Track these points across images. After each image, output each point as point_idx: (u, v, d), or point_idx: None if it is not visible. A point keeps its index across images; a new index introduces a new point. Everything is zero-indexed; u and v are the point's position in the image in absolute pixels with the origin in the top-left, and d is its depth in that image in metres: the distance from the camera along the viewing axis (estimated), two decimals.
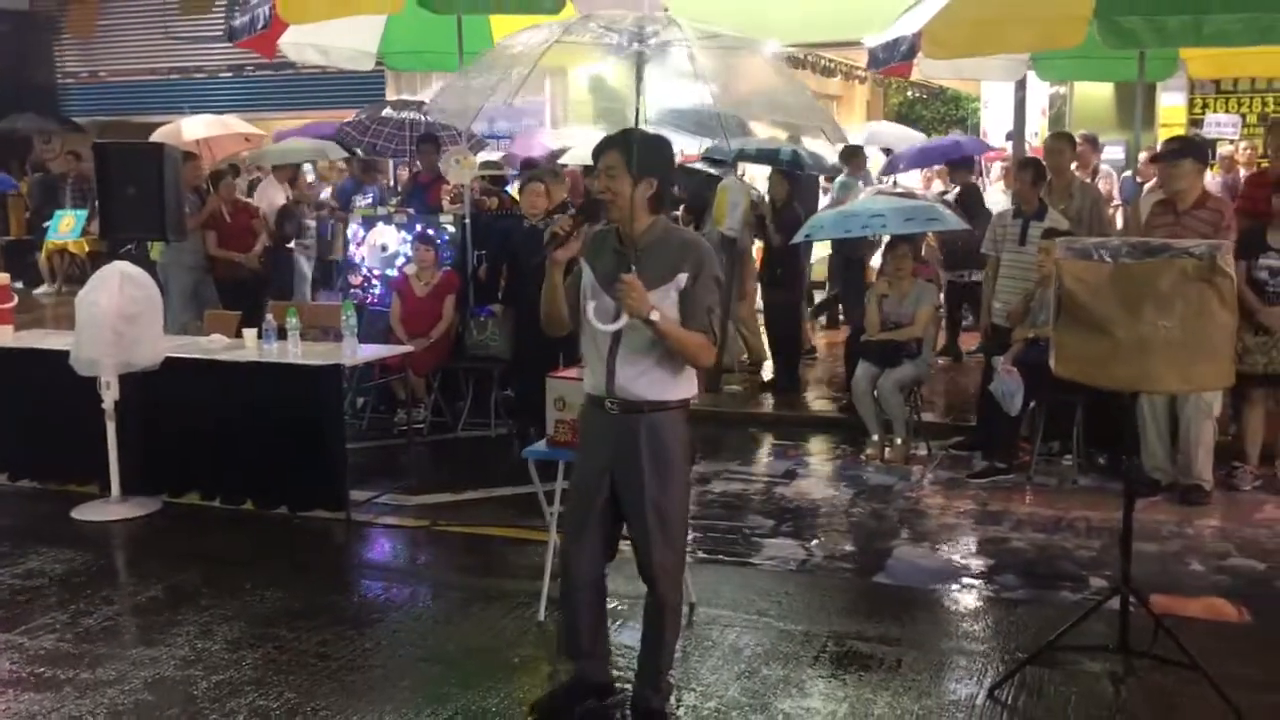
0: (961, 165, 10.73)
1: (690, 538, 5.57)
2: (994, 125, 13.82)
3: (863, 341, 7.45)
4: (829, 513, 6.33)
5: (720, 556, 5.59)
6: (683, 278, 3.52)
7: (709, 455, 7.36)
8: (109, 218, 8.02)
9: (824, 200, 11.04)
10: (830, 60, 18.14)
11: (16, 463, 6.72)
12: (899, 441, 7.24)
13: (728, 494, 6.65)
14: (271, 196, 10.62)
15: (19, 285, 14.57)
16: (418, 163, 9.92)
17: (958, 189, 10.23)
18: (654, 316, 3.44)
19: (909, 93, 23.49)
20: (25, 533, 5.90)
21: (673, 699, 4.05)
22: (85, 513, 6.15)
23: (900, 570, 5.46)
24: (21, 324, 7.55)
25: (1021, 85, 9.27)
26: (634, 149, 3.53)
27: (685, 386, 3.67)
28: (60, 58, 17.50)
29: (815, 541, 5.85)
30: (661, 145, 3.66)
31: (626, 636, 4.52)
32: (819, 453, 7.66)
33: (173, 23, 16.42)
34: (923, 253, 9.17)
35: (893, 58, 6.74)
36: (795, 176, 9.15)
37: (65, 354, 6.08)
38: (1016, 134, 9.67)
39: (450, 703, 4.05)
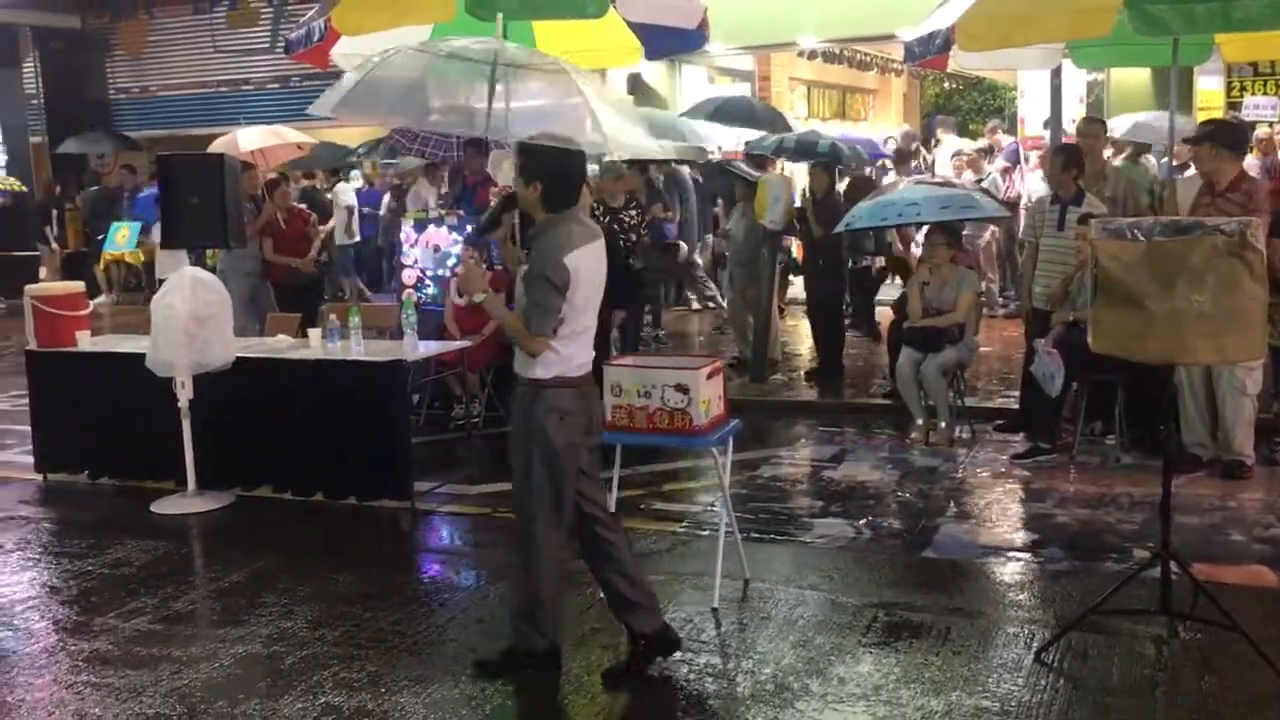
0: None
1: (738, 517, 5.81)
2: (1031, 113, 13.88)
3: (905, 328, 7.62)
4: (876, 494, 6.52)
5: (772, 535, 5.80)
6: (523, 270, 4.06)
7: (757, 442, 7.55)
8: (172, 227, 8.31)
9: None
10: (866, 54, 18.30)
11: (96, 461, 7.04)
12: (943, 425, 7.40)
13: (777, 477, 6.85)
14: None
15: None
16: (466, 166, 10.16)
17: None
18: (478, 298, 4.12)
19: (945, 84, 23.58)
20: (108, 526, 6.21)
21: (720, 662, 4.26)
22: (163, 507, 6.46)
23: (947, 545, 5.63)
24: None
25: (1057, 73, 9.38)
26: (519, 159, 4.13)
27: (545, 367, 4.04)
28: (112, 74, 17.97)
29: (863, 520, 6.04)
30: (543, 153, 4.13)
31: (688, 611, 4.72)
32: (864, 438, 7.83)
33: (220, 37, 16.83)
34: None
35: (928, 51, 6.89)
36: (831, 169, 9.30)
37: (141, 357, 6.38)
38: (1053, 121, 9.78)
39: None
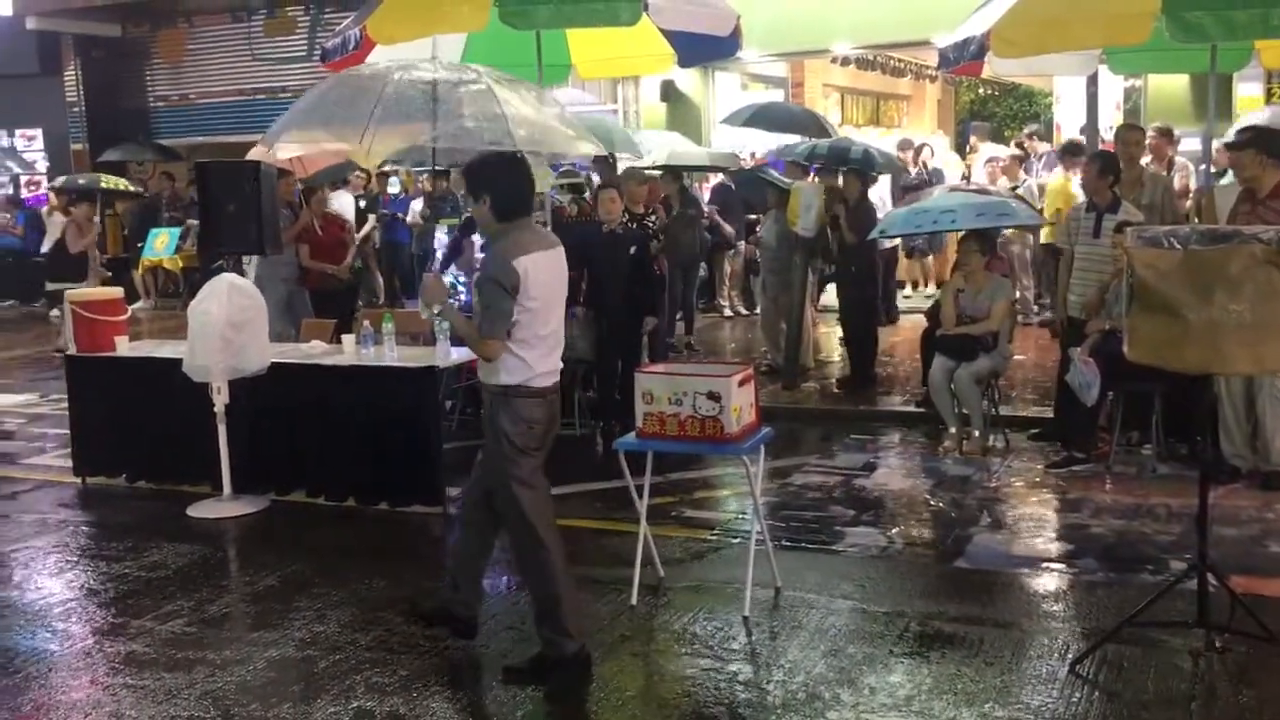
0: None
1: (769, 525, 5.80)
2: (1068, 120, 13.77)
3: (939, 335, 7.58)
4: (908, 503, 6.48)
5: (804, 544, 5.78)
6: (478, 276, 4.19)
7: (789, 450, 7.53)
8: (209, 233, 8.41)
9: None
10: (900, 60, 18.24)
11: (134, 465, 7.12)
12: (976, 433, 7.35)
13: (808, 486, 6.83)
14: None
15: None
16: None
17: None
18: (435, 309, 4.39)
19: (980, 90, 23.44)
20: (146, 529, 6.28)
21: (751, 671, 4.26)
22: (199, 510, 6.52)
23: (980, 555, 5.60)
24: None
25: (1094, 80, 9.31)
26: (465, 176, 4.32)
27: (509, 374, 4.15)
28: (152, 82, 18.20)
29: (896, 529, 6.01)
30: (486, 164, 4.30)
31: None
32: (897, 446, 7.79)
33: (258, 45, 17.00)
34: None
35: (963, 57, 6.85)
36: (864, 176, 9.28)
37: (177, 362, 6.45)
38: (1089, 128, 9.71)
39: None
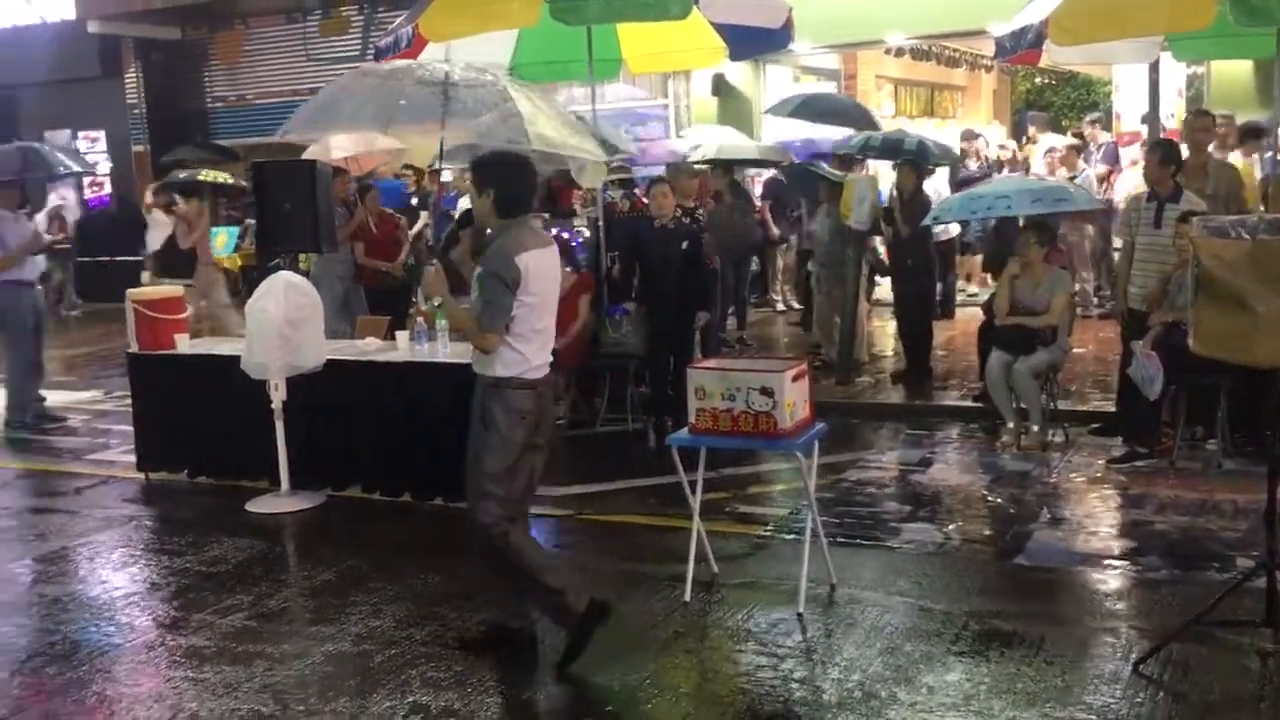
0: None
1: (823, 521, 5.75)
2: (1127, 108, 13.50)
3: (996, 328, 7.46)
4: (966, 498, 6.40)
5: (858, 540, 5.72)
6: (477, 271, 4.27)
7: (844, 445, 7.47)
8: (266, 232, 8.50)
9: None
10: (955, 50, 17.98)
11: (195, 461, 7.23)
12: (1035, 428, 7.24)
13: (863, 481, 6.76)
14: None
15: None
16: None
17: None
18: (436, 301, 4.49)
19: (1037, 79, 23.08)
20: (206, 524, 6.37)
21: (806, 668, 4.22)
22: (258, 506, 6.60)
23: (1040, 552, 5.50)
24: (76, 342, 8.04)
25: (1155, 67, 9.11)
26: (474, 168, 4.38)
27: (504, 366, 4.23)
28: (210, 83, 18.45)
29: (953, 525, 5.93)
30: (494, 161, 4.39)
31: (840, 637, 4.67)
32: (954, 441, 7.69)
33: (312, 45, 17.16)
34: None
35: (1020, 46, 6.74)
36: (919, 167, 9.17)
37: (236, 359, 6.53)
38: (1151, 116, 9.51)
39: (604, 677, 4.29)
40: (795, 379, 4.71)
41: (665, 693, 4.18)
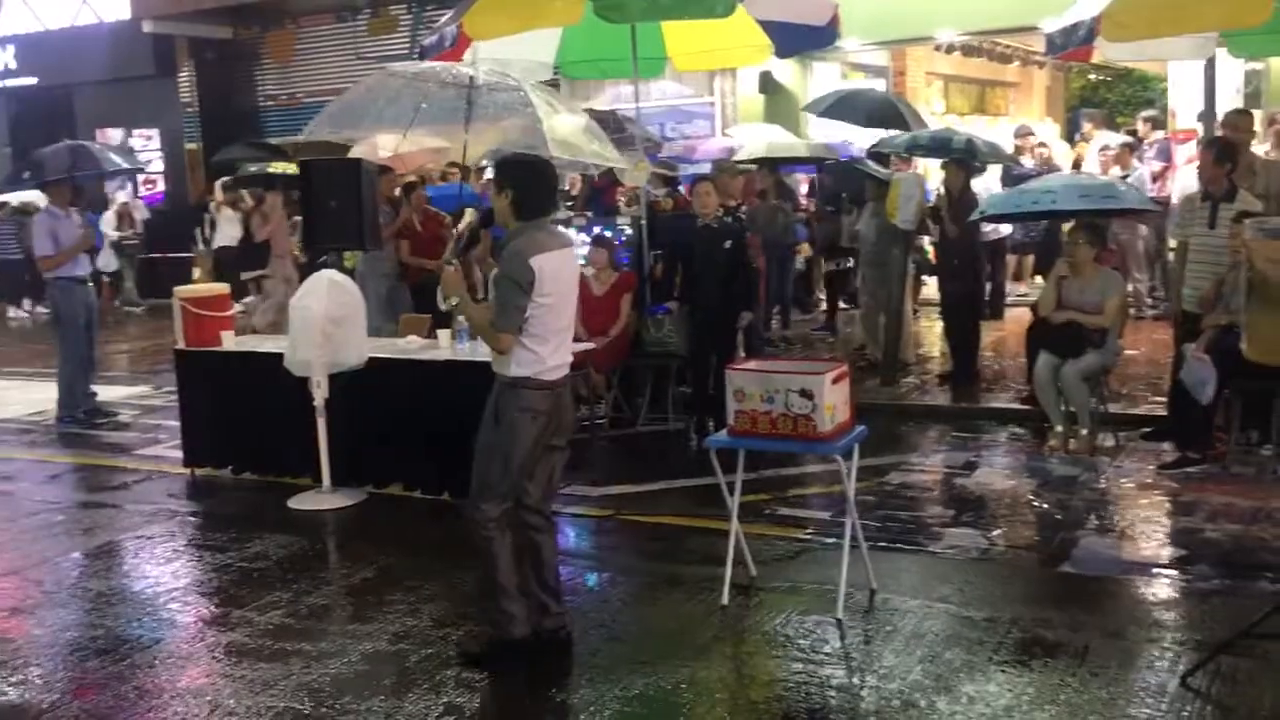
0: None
1: (864, 525, 5.68)
2: (1183, 106, 13.23)
3: (1044, 329, 7.32)
4: (1011, 503, 6.29)
5: (900, 545, 5.64)
6: (494, 273, 4.33)
7: (887, 447, 7.38)
8: (312, 230, 8.56)
9: None
10: (1007, 46, 17.75)
11: (239, 457, 7.29)
12: (1084, 432, 7.10)
13: (907, 485, 6.67)
14: None
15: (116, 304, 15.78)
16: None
17: None
18: (453, 301, 4.59)
19: (1091, 76, 22.72)
20: (248, 520, 6.42)
21: (844, 675, 4.15)
22: (300, 502, 6.64)
23: (1087, 560, 5.39)
24: (139, 336, 8.13)
25: (1211, 64, 8.92)
26: (496, 167, 4.44)
27: (519, 366, 4.26)
28: (261, 83, 18.66)
29: (997, 531, 5.83)
30: (517, 163, 4.51)
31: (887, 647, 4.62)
32: (1000, 444, 7.57)
33: (362, 44, 17.28)
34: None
35: (1071, 42, 6.61)
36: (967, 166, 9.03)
37: (280, 356, 6.58)
38: (1206, 114, 9.30)
39: (638, 680, 4.25)
40: (835, 381, 4.65)
41: (700, 697, 4.13)
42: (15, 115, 19.69)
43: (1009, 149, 11.99)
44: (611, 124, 11.05)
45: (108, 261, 17.10)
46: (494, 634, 4.45)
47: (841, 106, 11.01)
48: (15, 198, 15.41)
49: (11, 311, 15.79)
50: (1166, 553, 5.44)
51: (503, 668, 4.36)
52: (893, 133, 9.97)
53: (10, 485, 7.56)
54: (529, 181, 4.35)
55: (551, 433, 4.37)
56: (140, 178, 18.50)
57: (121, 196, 17.63)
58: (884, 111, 10.56)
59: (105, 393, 9.92)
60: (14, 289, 16.98)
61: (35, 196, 15.08)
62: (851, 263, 11.49)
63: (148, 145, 19.03)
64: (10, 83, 19.31)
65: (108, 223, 16.97)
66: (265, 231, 12.12)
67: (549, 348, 4.29)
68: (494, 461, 4.30)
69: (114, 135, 18.27)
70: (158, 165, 19.00)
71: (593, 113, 11.60)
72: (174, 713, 4.14)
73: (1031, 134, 13.05)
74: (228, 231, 15.64)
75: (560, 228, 7.44)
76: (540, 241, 4.26)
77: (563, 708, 4.12)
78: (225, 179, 16.08)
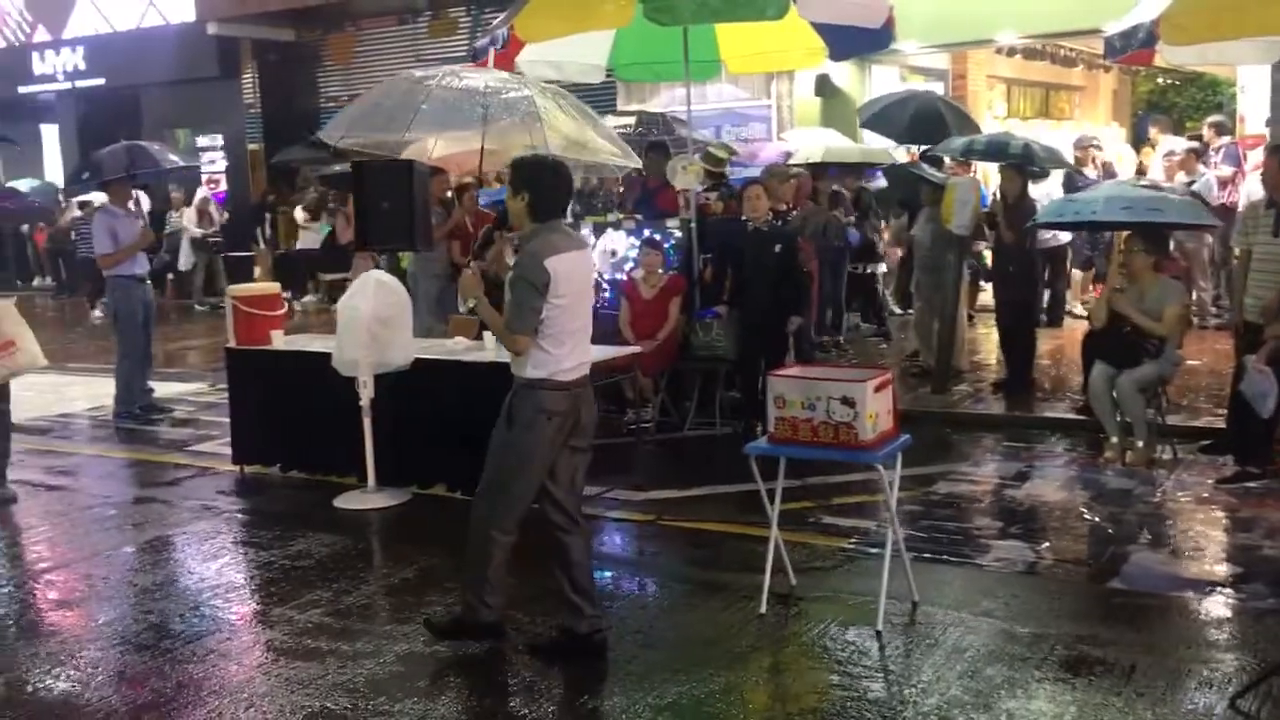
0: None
1: (909, 535, 5.60)
2: (1252, 111, 12.90)
3: (1100, 338, 7.16)
4: (1062, 516, 6.15)
5: (945, 557, 5.53)
6: (510, 274, 4.32)
7: (936, 456, 7.27)
8: (365, 230, 8.63)
9: None
10: (1071, 49, 17.44)
11: (287, 455, 7.37)
12: (1140, 444, 6.93)
13: (954, 495, 6.56)
14: None
15: (287, 295, 15.93)
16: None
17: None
18: (470, 304, 4.56)
19: (1159, 80, 22.25)
20: (294, 519, 6.48)
21: (882, 689, 4.08)
22: (345, 501, 6.69)
23: (1138, 576, 5.25)
24: (289, 330, 8.23)
25: (1279, 68, 8.67)
26: (512, 169, 4.42)
27: (535, 367, 4.29)
28: (322, 85, 18.89)
29: (1046, 544, 5.71)
30: (532, 164, 4.49)
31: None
32: (1053, 455, 7.42)
33: (421, 47, 17.43)
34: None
35: (1130, 45, 6.46)
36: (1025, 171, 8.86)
37: (328, 356, 6.63)
38: (1274, 119, 9.05)
39: (672, 688, 4.21)
40: (878, 389, 4.58)
41: (733, 707, 4.08)
42: (83, 116, 20.12)
43: (1071, 154, 11.77)
44: (661, 126, 11.05)
45: (186, 259, 17.38)
46: (462, 614, 4.57)
47: (880, 119, 10.79)
48: (99, 198, 15.65)
49: (99, 311, 16.04)
50: (1221, 570, 5.29)
51: (527, 670, 4.34)
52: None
53: (68, 479, 7.71)
54: (544, 183, 4.37)
55: (569, 433, 4.38)
56: (204, 178, 18.83)
57: (201, 193, 17.92)
58: (924, 123, 10.26)
59: (163, 389, 10.09)
60: (99, 288, 17.10)
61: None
62: (884, 268, 11.73)
63: (211, 145, 19.36)
64: (80, 84, 19.73)
65: (189, 219, 17.25)
66: (349, 234, 12.28)
67: (565, 349, 4.31)
68: (503, 461, 4.36)
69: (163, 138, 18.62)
70: (220, 165, 19.31)
71: (643, 115, 11.63)
72: (210, 709, 4.17)
73: (1093, 145, 12.75)
74: (312, 238, 16.04)
75: (573, 228, 7.48)
76: (555, 243, 4.29)
77: (594, 714, 4.10)
78: (310, 198, 16.25)
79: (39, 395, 10.23)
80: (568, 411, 4.33)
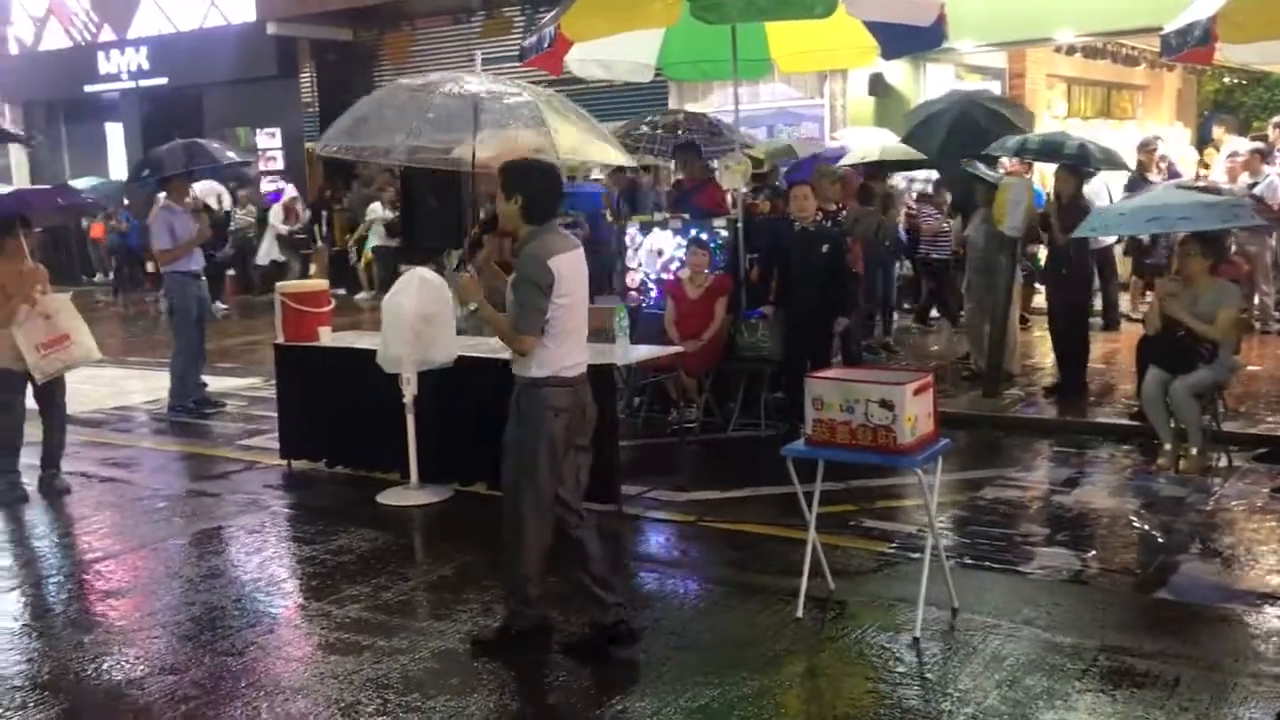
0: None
1: (953, 540, 5.52)
2: None
3: (1154, 343, 7.01)
4: (1110, 523, 6.03)
5: (988, 563, 5.44)
6: (512, 277, 4.39)
7: (984, 460, 7.17)
8: (412, 229, 8.72)
9: None
10: (1133, 48, 17.11)
11: (333, 451, 7.43)
12: (1194, 451, 6.77)
13: (1001, 500, 6.45)
14: None
15: (341, 292, 16.11)
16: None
17: None
18: (472, 306, 4.56)
19: (1226, 79, 21.77)
20: (337, 514, 6.53)
21: (918, 696, 4.02)
22: (388, 498, 6.73)
23: (1187, 587, 5.13)
24: (341, 326, 8.32)
25: None
26: (503, 174, 4.46)
27: (540, 367, 4.37)
28: (379, 83, 19.04)
29: (1092, 552, 5.59)
30: (523, 167, 4.53)
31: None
32: (1105, 461, 7.27)
33: (476, 46, 17.51)
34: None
35: (1186, 43, 6.30)
36: (1079, 172, 8.70)
37: (374, 353, 6.68)
38: None
39: (705, 691, 4.18)
40: (918, 392, 4.51)
41: (766, 712, 4.04)
42: (147, 115, 20.48)
43: (1132, 155, 11.53)
44: (706, 126, 11.00)
45: (271, 252, 17.49)
46: (508, 620, 4.60)
47: (919, 134, 10.41)
48: (202, 189, 15.71)
49: (221, 305, 16.22)
50: (1273, 582, 5.14)
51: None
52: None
53: (121, 471, 7.84)
54: (537, 185, 4.43)
55: (575, 430, 4.45)
56: (265, 176, 19.07)
57: (290, 191, 18.12)
58: (963, 134, 9.88)
59: (218, 383, 10.25)
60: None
61: (207, 188, 15.67)
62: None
63: (270, 143, 19.61)
64: (143, 83, 20.10)
65: (275, 216, 17.39)
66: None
67: (567, 347, 4.40)
68: (524, 459, 4.42)
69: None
70: (279, 164, 19.56)
71: (687, 115, 11.58)
72: (245, 701, 4.21)
73: (1155, 148, 12.40)
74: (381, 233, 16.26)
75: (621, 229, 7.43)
76: (553, 244, 4.37)
77: (625, 715, 4.07)
78: (386, 216, 16.34)
79: (96, 388, 10.44)
80: (572, 407, 4.42)
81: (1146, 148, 12.15)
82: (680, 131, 10.73)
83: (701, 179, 9.38)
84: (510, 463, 4.49)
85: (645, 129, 11.10)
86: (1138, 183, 10.87)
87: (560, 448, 4.41)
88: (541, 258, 4.29)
